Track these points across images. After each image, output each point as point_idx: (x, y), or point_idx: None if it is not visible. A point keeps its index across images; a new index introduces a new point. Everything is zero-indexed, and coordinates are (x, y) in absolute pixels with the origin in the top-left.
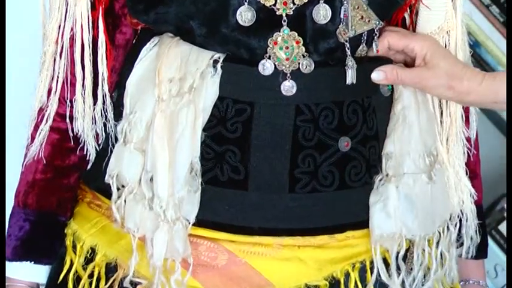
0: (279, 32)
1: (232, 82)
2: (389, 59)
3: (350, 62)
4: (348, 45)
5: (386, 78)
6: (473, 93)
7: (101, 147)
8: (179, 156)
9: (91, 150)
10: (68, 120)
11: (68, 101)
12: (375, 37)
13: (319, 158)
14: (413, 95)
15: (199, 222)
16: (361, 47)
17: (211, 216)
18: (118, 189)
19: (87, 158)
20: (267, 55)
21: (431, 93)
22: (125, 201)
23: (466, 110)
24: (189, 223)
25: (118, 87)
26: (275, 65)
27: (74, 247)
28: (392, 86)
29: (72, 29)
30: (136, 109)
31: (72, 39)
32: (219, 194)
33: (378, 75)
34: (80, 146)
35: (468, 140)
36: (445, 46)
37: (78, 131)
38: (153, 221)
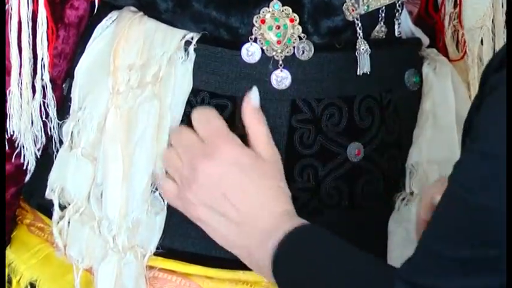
0: (268, 7)
1: (209, 70)
2: (419, 39)
3: (362, 46)
4: (360, 25)
5: None
6: None
7: (41, 153)
8: (136, 166)
9: (29, 157)
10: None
11: None
12: (397, 14)
13: (321, 170)
14: (448, 89)
15: (167, 252)
16: (378, 27)
17: (182, 245)
18: (64, 207)
19: (25, 167)
20: (253, 37)
21: None
22: (68, 222)
23: None
24: (146, 254)
25: (70, 77)
26: (263, 50)
27: (9, 282)
28: (421, 76)
29: (7, 2)
30: (86, 104)
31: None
32: None
33: None
34: (16, 151)
35: None
36: (492, 34)
37: (14, 132)
38: (102, 248)
